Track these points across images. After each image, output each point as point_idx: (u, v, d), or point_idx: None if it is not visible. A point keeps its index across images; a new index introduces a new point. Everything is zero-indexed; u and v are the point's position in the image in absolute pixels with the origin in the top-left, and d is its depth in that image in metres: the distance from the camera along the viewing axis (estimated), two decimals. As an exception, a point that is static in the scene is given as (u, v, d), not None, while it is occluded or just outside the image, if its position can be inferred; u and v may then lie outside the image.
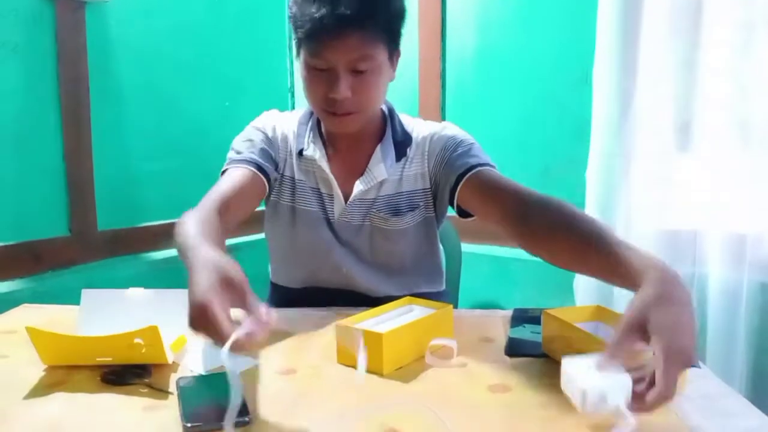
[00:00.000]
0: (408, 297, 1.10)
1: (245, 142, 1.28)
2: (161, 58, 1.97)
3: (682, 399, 0.78)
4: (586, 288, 1.76)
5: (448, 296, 1.47)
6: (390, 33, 1.15)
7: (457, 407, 0.77)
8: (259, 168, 1.23)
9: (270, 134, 1.30)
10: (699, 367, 0.89)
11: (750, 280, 1.53)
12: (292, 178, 1.29)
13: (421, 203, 1.28)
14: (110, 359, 0.91)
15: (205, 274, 0.77)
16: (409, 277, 1.33)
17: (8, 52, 1.58)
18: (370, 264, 1.30)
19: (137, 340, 0.89)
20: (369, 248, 1.29)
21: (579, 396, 0.70)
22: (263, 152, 1.26)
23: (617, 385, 0.70)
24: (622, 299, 1.71)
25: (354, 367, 0.88)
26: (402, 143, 1.27)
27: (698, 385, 0.83)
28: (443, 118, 2.11)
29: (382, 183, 1.26)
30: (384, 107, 1.31)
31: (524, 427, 0.73)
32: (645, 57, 1.68)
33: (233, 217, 1.17)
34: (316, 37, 1.10)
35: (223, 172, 1.24)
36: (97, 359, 0.91)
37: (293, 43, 1.21)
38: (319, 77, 1.14)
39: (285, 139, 1.31)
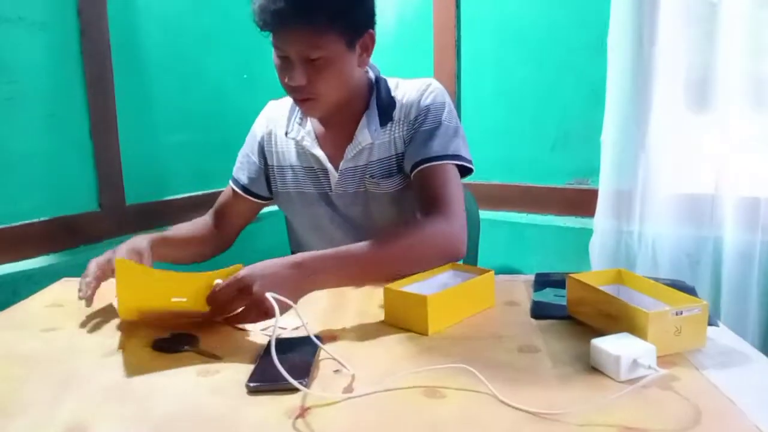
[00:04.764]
0: (451, 263, 1.14)
1: (243, 155, 1.42)
2: (182, 29, 1.99)
3: (702, 355, 0.83)
4: (601, 252, 1.81)
5: None
6: (343, 22, 1.12)
7: (491, 367, 0.82)
8: (246, 190, 1.40)
9: (260, 135, 1.39)
10: (717, 326, 0.94)
11: (763, 242, 1.57)
12: (282, 167, 1.36)
13: None
14: (185, 300, 0.95)
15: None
16: None
17: (34, 31, 1.60)
18: (365, 233, 1.34)
19: (218, 282, 0.94)
20: (364, 215, 1.33)
21: (614, 365, 0.76)
22: (252, 168, 1.39)
23: (645, 351, 0.76)
24: (637, 262, 1.76)
25: (400, 328, 0.95)
26: (386, 108, 1.29)
27: (716, 342, 0.88)
28: (458, 86, 2.13)
29: (371, 148, 1.29)
30: (371, 74, 1.33)
31: (556, 383, 0.78)
32: (660, 22, 1.69)
33: (229, 227, 1.41)
34: (265, 28, 1.13)
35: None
36: (173, 299, 0.95)
37: None
38: (281, 63, 1.18)
39: (271, 133, 1.38)
